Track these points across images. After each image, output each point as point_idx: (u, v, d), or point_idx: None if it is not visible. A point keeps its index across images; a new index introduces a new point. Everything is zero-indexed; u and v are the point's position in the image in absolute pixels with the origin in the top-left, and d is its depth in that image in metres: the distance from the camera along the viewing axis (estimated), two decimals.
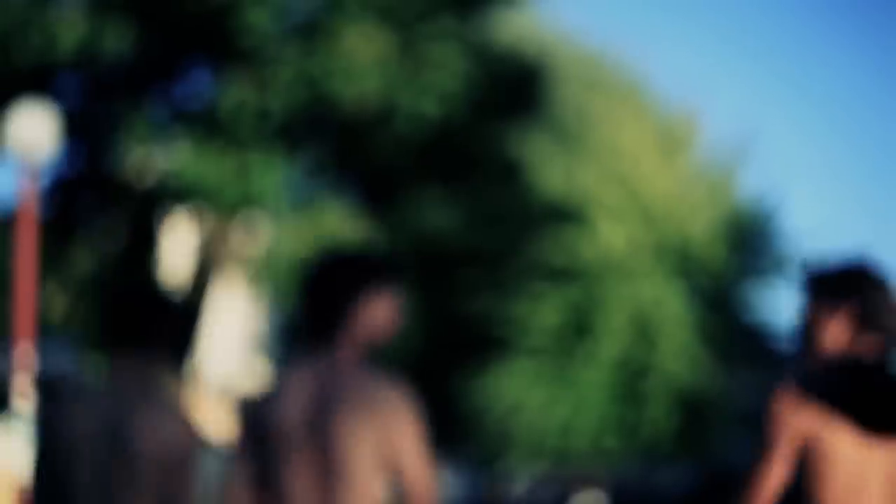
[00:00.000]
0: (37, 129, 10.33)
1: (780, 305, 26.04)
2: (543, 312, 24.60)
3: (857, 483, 3.64)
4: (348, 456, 3.24)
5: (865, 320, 3.71)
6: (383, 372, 3.42)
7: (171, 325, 3.73)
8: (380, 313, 3.42)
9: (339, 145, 13.95)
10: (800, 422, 3.63)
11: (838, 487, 3.66)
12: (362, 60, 11.92)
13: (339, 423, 3.23)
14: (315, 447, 3.23)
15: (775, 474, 3.61)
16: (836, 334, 3.84)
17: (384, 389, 3.30)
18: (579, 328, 25.00)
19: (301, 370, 3.33)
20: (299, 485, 3.25)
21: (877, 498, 3.63)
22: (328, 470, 3.24)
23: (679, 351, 24.22)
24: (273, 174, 11.69)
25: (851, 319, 3.72)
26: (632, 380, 24.90)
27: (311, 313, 3.40)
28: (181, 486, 3.60)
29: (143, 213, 14.81)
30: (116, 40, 11.71)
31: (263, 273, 11.34)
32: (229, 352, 34.27)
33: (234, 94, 12.06)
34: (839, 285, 3.80)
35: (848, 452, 3.64)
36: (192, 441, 3.64)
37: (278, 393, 3.29)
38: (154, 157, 12.53)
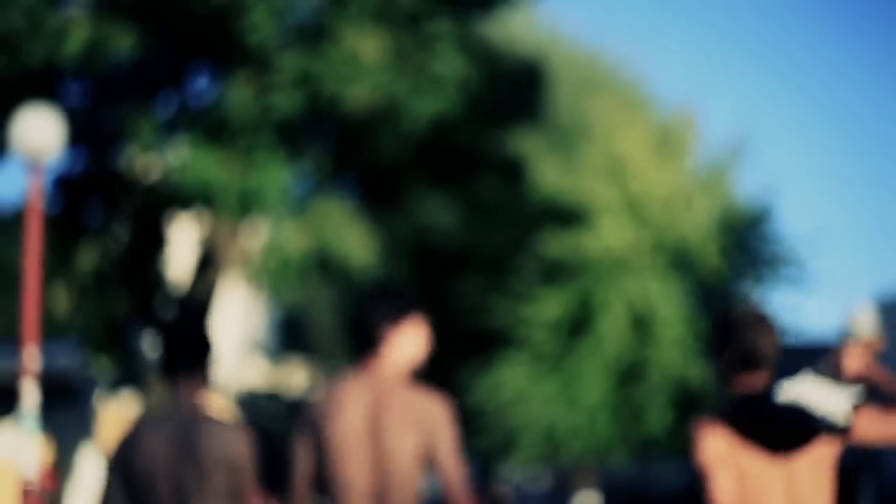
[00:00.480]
0: (43, 130, 10.36)
1: (774, 302, 26.18)
2: (542, 309, 24.72)
3: (760, 494, 4.30)
4: (396, 454, 4.17)
5: (747, 360, 4.40)
6: (423, 386, 4.37)
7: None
8: (412, 339, 4.38)
9: (339, 144, 14.01)
10: (714, 444, 4.36)
11: (746, 498, 4.32)
12: (361, 60, 11.99)
13: (388, 428, 4.18)
14: (371, 446, 4.18)
15: (724, 482, 4.33)
16: (724, 374, 4.61)
17: (425, 401, 4.27)
18: (578, 324, 25.14)
19: (354, 384, 4.24)
20: (358, 475, 4.17)
21: None
22: (381, 463, 4.17)
23: (675, 346, 24.37)
24: (275, 175, 11.76)
25: (734, 361, 4.39)
26: (629, 374, 25.05)
27: (356, 338, 4.31)
28: (244, 485, 4.50)
29: (149, 214, 14.88)
30: (121, 42, 11.76)
31: (262, 272, 11.41)
32: (227, 350, 34.32)
33: (237, 95, 12.13)
34: (721, 332, 4.49)
35: (752, 469, 4.33)
36: (247, 447, 4.55)
37: (335, 402, 4.21)
38: (158, 158, 12.59)
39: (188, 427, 4.54)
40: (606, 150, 25.54)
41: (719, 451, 4.36)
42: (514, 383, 25.15)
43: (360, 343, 4.35)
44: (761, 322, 4.51)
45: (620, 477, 35.17)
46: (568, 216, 25.47)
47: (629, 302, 24.71)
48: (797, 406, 4.26)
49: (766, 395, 4.34)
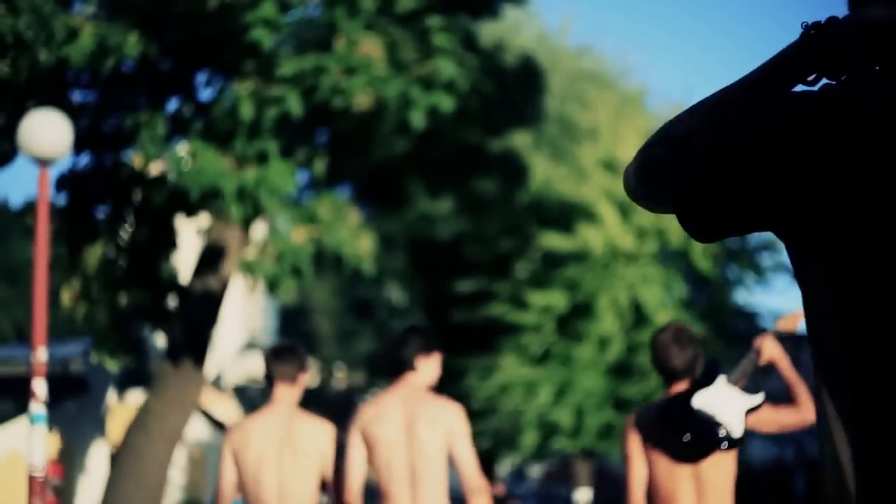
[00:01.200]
0: (51, 133, 10.32)
1: (767, 288, 26.40)
2: (538, 305, 24.92)
3: (670, 489, 5.11)
4: (427, 446, 5.67)
5: (665, 374, 5.32)
6: (444, 396, 5.95)
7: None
8: (434, 365, 5.95)
9: (338, 142, 14.12)
10: (633, 438, 5.21)
11: (656, 488, 5.16)
12: (361, 59, 12.10)
13: (420, 427, 5.71)
14: (408, 441, 5.68)
15: (639, 472, 5.15)
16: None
17: (445, 407, 5.80)
18: (574, 320, 25.34)
19: (393, 395, 5.83)
20: (398, 464, 5.66)
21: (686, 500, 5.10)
22: (415, 455, 5.67)
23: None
24: (280, 176, 11.91)
25: (659, 374, 5.37)
26: (624, 369, 25.25)
27: (395, 362, 5.89)
28: (331, 469, 5.85)
29: (157, 212, 15.03)
30: (128, 45, 11.90)
31: (260, 268, 11.53)
32: (227, 344, 34.50)
33: (240, 97, 12.27)
34: (650, 350, 5.40)
35: (660, 465, 5.14)
36: (332, 440, 5.93)
37: (380, 408, 5.78)
38: (164, 158, 12.73)
39: (287, 422, 5.86)
40: (601, 148, 25.75)
41: (636, 445, 5.22)
42: (509, 378, 25.34)
43: (397, 366, 5.93)
44: (677, 340, 5.34)
45: (615, 472, 35.32)
46: (563, 213, 25.71)
47: (625, 297, 24.92)
48: (702, 417, 5.00)
49: (678, 403, 5.08)
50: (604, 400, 24.86)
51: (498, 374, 25.51)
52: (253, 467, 5.76)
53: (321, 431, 5.94)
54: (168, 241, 15.43)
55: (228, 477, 5.81)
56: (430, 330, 6.23)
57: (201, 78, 13.54)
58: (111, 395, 21.26)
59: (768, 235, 25.88)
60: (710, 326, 25.56)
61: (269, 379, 5.96)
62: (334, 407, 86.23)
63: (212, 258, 14.13)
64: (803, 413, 5.31)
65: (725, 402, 5.01)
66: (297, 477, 5.77)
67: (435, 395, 5.96)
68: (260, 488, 5.75)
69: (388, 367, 6.09)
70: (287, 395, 5.94)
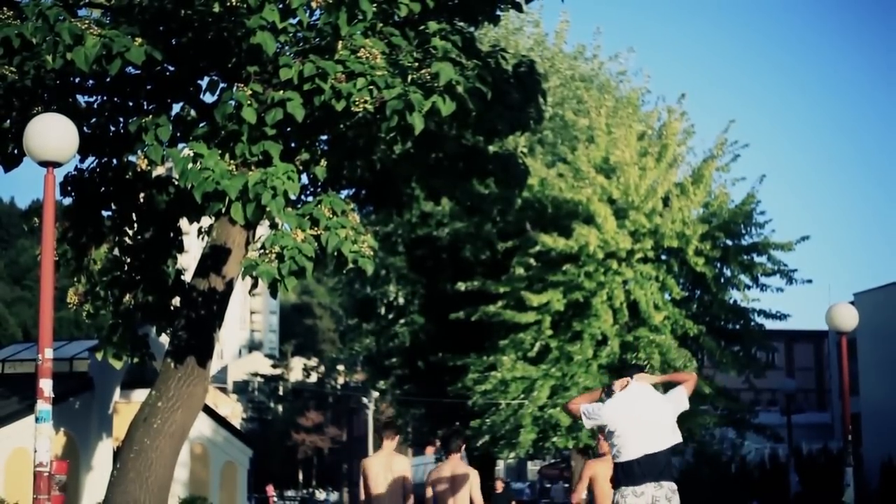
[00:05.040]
0: (57, 136, 10.34)
1: (758, 288, 26.62)
2: (536, 304, 25.09)
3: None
4: (461, 496, 11.03)
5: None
6: (469, 464, 13.69)
7: None
8: (460, 446, 11.51)
9: (339, 144, 14.25)
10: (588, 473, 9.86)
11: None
12: (362, 62, 12.25)
13: (458, 483, 11.07)
14: (451, 493, 11.08)
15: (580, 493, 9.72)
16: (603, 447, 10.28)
17: (470, 471, 11.19)
18: (571, 318, 25.53)
19: (446, 465, 11.28)
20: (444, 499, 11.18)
21: None
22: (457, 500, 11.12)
23: (665, 338, 24.73)
24: (280, 177, 12.06)
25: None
26: (621, 366, 25.39)
27: (446, 446, 11.49)
28: (408, 490, 11.37)
29: (162, 214, 15.21)
30: (132, 51, 12.06)
31: (262, 270, 11.64)
32: (229, 344, 34.75)
33: (243, 100, 12.42)
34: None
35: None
36: (409, 467, 11.60)
37: (440, 474, 11.23)
38: (169, 161, 12.87)
39: (389, 458, 11.42)
40: (598, 147, 25.92)
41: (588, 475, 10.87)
42: (508, 376, 25.53)
43: (447, 447, 11.40)
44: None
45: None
46: (560, 214, 25.90)
47: (620, 297, 25.10)
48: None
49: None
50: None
51: (496, 372, 25.71)
52: (372, 482, 11.34)
53: (405, 462, 11.51)
54: (172, 242, 15.65)
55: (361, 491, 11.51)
56: (461, 431, 12.49)
57: (205, 82, 13.72)
58: (116, 393, 21.46)
59: (762, 241, 26.14)
60: (704, 325, 25.75)
61: (379, 433, 12.06)
62: (334, 404, 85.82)
63: (215, 258, 14.30)
64: (690, 382, 8.49)
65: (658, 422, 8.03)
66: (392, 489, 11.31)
67: (466, 464, 11.42)
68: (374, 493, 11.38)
69: (445, 447, 11.56)
70: (389, 444, 11.53)
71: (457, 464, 11.19)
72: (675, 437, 8.02)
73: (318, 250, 12.00)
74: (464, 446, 12.01)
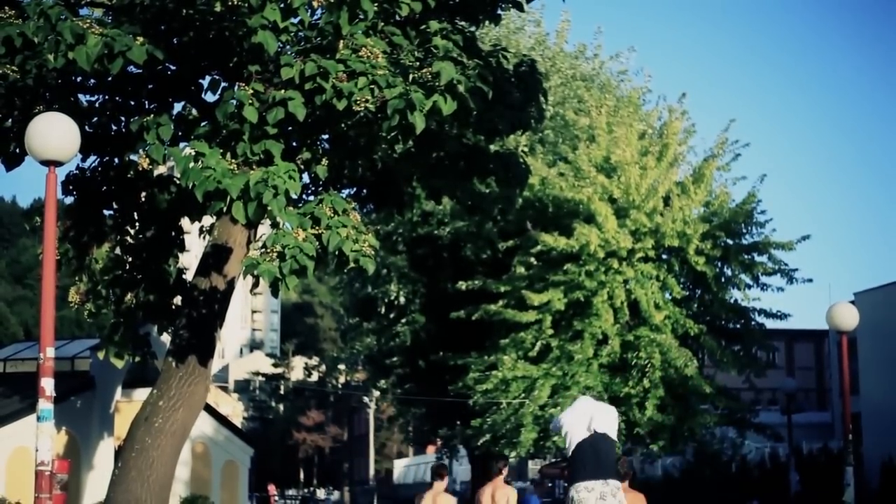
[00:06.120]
0: (59, 136, 10.37)
1: (759, 287, 26.62)
2: (537, 303, 25.12)
3: None
4: None
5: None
6: (510, 484, 13.91)
7: None
8: (501, 469, 13.44)
9: (340, 143, 14.27)
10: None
11: None
12: (361, 61, 12.27)
13: (500, 501, 13.24)
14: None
15: None
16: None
17: (509, 489, 13.26)
18: (572, 317, 25.55)
19: (490, 485, 13.28)
20: None
21: None
22: None
23: (666, 338, 24.76)
24: (281, 176, 12.07)
25: None
26: (621, 366, 25.44)
27: (489, 470, 13.75)
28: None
29: (164, 214, 15.23)
30: (134, 50, 12.08)
31: (263, 269, 11.65)
32: (230, 342, 34.79)
33: (244, 99, 12.44)
34: None
35: None
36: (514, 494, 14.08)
37: (485, 492, 13.33)
38: (168, 162, 12.90)
39: (498, 486, 13.32)
40: (599, 147, 25.95)
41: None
42: (509, 375, 25.56)
43: (489, 470, 13.45)
44: None
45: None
46: (561, 214, 25.93)
47: (621, 296, 25.13)
48: None
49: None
50: (601, 396, 25.05)
51: (497, 371, 25.74)
52: None
53: (452, 501, 13.16)
54: (174, 241, 15.68)
55: None
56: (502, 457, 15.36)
57: (206, 81, 13.74)
58: (118, 392, 21.48)
59: (762, 241, 26.17)
60: (704, 324, 25.77)
61: (433, 476, 13.30)
62: (335, 403, 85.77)
63: (217, 257, 14.31)
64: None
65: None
66: None
67: (507, 483, 13.39)
68: None
69: (488, 470, 13.48)
70: (440, 485, 13.01)
71: (498, 485, 13.13)
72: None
73: (320, 249, 12.01)
74: (505, 469, 13.43)
